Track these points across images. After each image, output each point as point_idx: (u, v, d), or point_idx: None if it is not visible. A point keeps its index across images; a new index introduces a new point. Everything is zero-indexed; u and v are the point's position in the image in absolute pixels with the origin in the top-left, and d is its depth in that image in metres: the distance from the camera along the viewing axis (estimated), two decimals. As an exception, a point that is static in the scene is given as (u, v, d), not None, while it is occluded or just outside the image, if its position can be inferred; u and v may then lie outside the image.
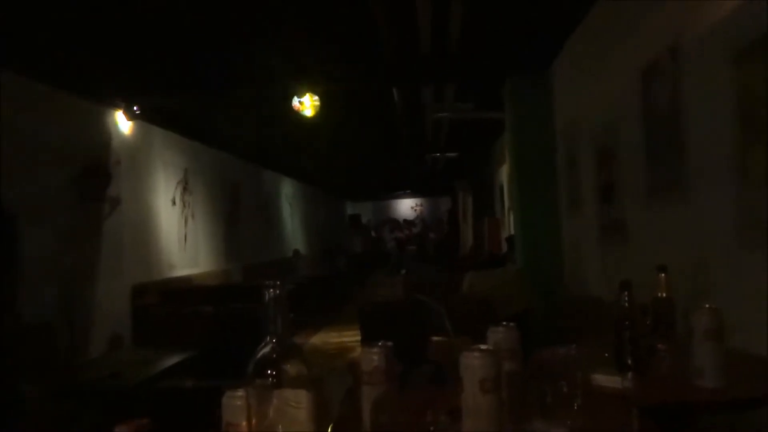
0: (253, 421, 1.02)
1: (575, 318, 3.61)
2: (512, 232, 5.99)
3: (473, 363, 1.05)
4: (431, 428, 1.06)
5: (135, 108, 5.67)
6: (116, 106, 5.62)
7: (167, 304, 5.84)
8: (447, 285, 4.96)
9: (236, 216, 8.85)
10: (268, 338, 1.13)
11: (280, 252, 11.18)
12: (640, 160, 3.07)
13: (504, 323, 1.28)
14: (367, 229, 19.87)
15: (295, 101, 5.48)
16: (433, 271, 7.67)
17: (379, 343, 1.21)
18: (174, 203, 6.93)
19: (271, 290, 1.12)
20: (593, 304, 3.52)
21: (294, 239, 12.44)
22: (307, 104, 5.48)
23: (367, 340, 1.28)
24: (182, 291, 6.27)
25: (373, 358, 1.18)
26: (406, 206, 22.04)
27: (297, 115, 5.56)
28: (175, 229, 6.94)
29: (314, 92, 5.46)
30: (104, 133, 5.55)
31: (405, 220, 20.86)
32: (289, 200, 12.37)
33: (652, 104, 2.93)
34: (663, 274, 1.75)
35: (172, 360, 4.57)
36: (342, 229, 18.86)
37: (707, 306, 1.47)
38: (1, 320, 2.99)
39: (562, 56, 4.71)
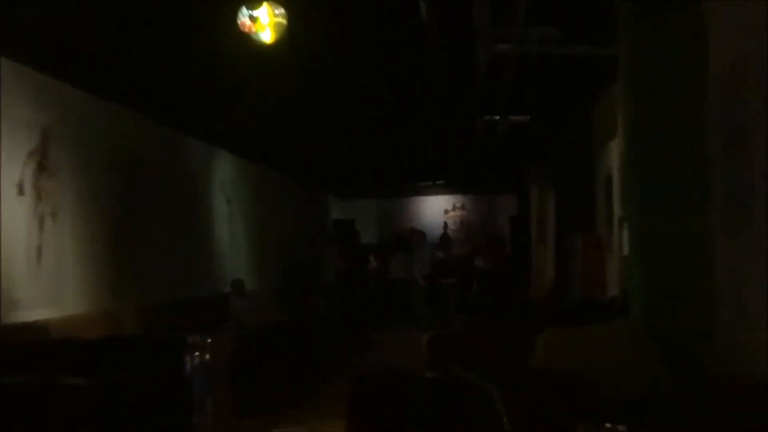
0: None
1: (735, 415, 3.63)
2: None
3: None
4: None
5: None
6: None
7: (4, 369, 5.83)
8: (506, 349, 5.11)
9: (133, 218, 8.94)
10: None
11: (210, 283, 11.22)
12: None
13: (607, 425, 1.32)
14: (355, 249, 19.70)
15: (244, 16, 5.51)
16: (481, 323, 7.71)
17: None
18: (21, 191, 6.97)
19: (197, 353, 1.16)
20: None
21: (236, 261, 12.46)
22: (264, 21, 5.51)
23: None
24: (32, 348, 6.21)
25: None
26: (436, 208, 21.94)
27: (247, 42, 5.58)
28: (23, 238, 6.96)
29: (277, 1, 5.49)
30: None
31: (444, 236, 20.62)
32: (228, 192, 12.40)
33: None
34: None
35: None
36: (322, 244, 18.89)
37: None
38: None
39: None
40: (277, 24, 5.56)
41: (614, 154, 7.83)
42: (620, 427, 1.37)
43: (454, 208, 22.04)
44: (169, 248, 10.00)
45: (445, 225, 21.49)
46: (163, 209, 9.90)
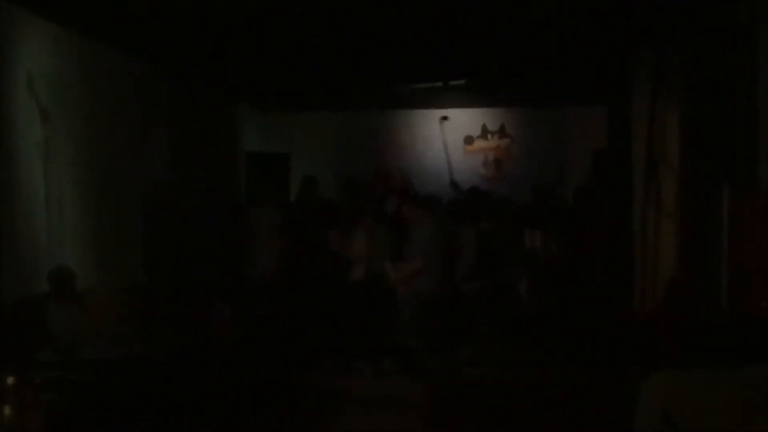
0: None
1: None
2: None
3: None
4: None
5: None
6: None
7: None
8: (583, 407, 4.94)
9: None
10: None
11: (6, 274, 8.07)
12: None
13: None
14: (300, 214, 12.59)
15: None
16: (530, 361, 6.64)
17: None
18: None
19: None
20: None
21: (58, 233, 8.99)
22: None
23: None
24: None
25: None
26: (451, 134, 13.71)
27: None
28: None
29: None
30: None
31: (472, 191, 12.24)
32: (44, 100, 8.81)
33: None
34: None
35: None
36: (234, 203, 13.29)
37: None
38: None
39: None
40: None
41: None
42: None
43: (485, 133, 13.76)
44: None
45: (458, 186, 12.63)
46: None
